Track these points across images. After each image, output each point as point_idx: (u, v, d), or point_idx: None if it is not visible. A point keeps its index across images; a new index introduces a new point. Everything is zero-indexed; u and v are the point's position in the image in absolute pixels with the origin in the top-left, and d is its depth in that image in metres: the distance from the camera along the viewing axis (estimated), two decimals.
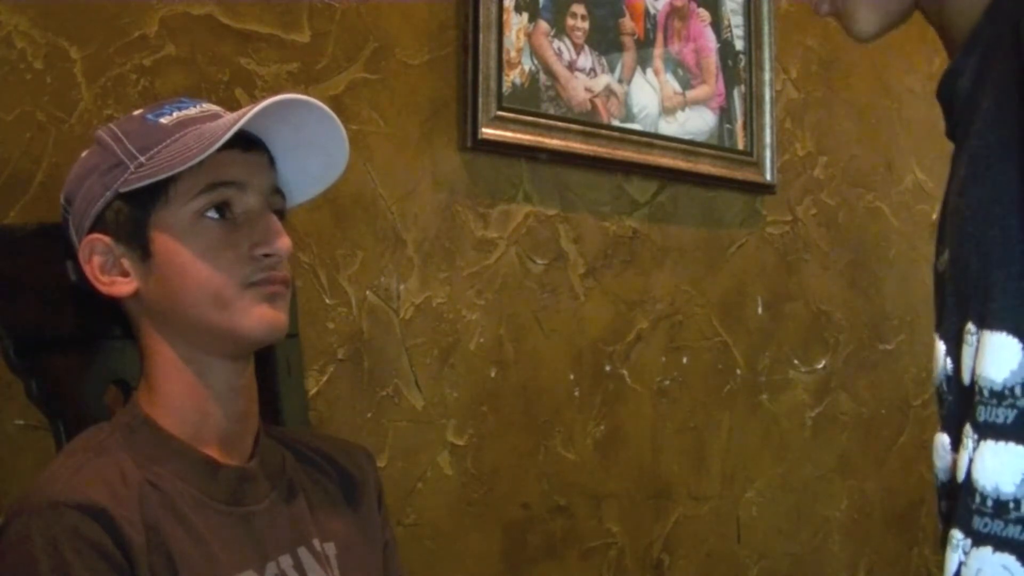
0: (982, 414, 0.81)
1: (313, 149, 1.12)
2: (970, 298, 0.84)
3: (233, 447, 1.10)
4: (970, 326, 0.83)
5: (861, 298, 2.52)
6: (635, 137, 2.10)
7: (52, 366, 1.20)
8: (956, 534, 0.83)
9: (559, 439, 2.00)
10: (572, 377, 2.03)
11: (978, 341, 0.82)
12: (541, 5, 1.96)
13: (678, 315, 2.20)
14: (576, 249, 2.04)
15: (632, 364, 2.12)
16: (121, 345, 1.18)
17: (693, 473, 2.21)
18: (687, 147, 2.19)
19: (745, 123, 2.29)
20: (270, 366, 1.30)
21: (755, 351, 2.33)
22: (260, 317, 1.06)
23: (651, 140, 2.14)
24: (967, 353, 0.83)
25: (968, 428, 0.83)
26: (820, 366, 2.45)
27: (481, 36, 1.87)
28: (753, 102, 2.30)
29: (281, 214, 1.11)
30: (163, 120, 1.08)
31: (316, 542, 1.12)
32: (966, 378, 0.83)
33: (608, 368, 2.08)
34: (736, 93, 2.28)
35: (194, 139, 1.04)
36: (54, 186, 1.43)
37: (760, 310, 2.35)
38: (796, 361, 2.40)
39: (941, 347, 0.88)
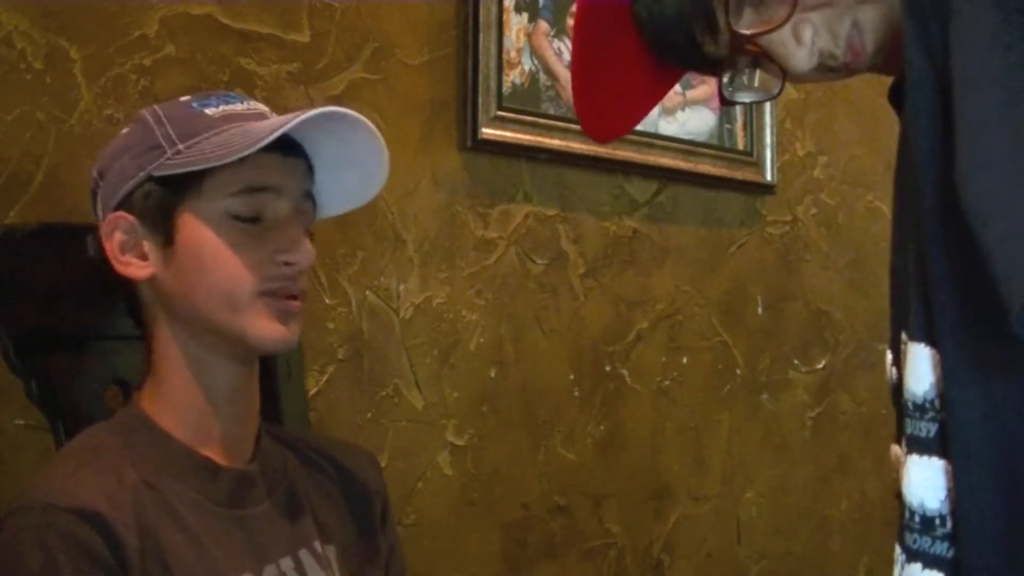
0: (909, 427, 0.79)
1: (351, 164, 1.11)
2: (902, 309, 0.82)
3: (233, 449, 1.09)
4: (903, 335, 0.81)
5: (861, 298, 2.52)
6: (635, 137, 2.10)
7: (52, 366, 1.20)
8: (897, 548, 0.81)
9: (559, 439, 2.00)
10: (572, 377, 2.03)
11: (906, 352, 0.80)
12: (541, 5, 1.96)
13: (678, 315, 2.20)
14: (576, 249, 2.04)
15: (632, 364, 2.12)
16: (121, 345, 1.18)
17: (693, 473, 2.21)
18: (687, 147, 2.19)
19: (745, 123, 2.29)
20: (270, 366, 1.30)
21: (755, 351, 2.33)
22: (271, 331, 1.05)
23: (651, 140, 2.13)
24: (904, 364, 0.81)
25: (903, 441, 0.81)
26: (820, 366, 2.45)
27: (481, 36, 1.87)
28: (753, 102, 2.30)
29: (307, 231, 1.10)
30: (208, 111, 1.07)
31: (317, 544, 1.11)
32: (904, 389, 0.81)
33: (608, 368, 2.08)
34: None
35: (237, 136, 1.03)
36: (54, 186, 1.43)
37: (760, 310, 2.35)
38: (796, 361, 2.40)
39: (889, 356, 0.86)
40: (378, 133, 1.09)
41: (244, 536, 1.06)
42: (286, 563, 1.08)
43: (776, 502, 2.35)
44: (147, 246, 1.06)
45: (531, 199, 1.98)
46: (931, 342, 0.76)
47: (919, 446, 0.78)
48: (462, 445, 1.87)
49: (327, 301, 1.72)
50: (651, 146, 2.14)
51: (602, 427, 2.07)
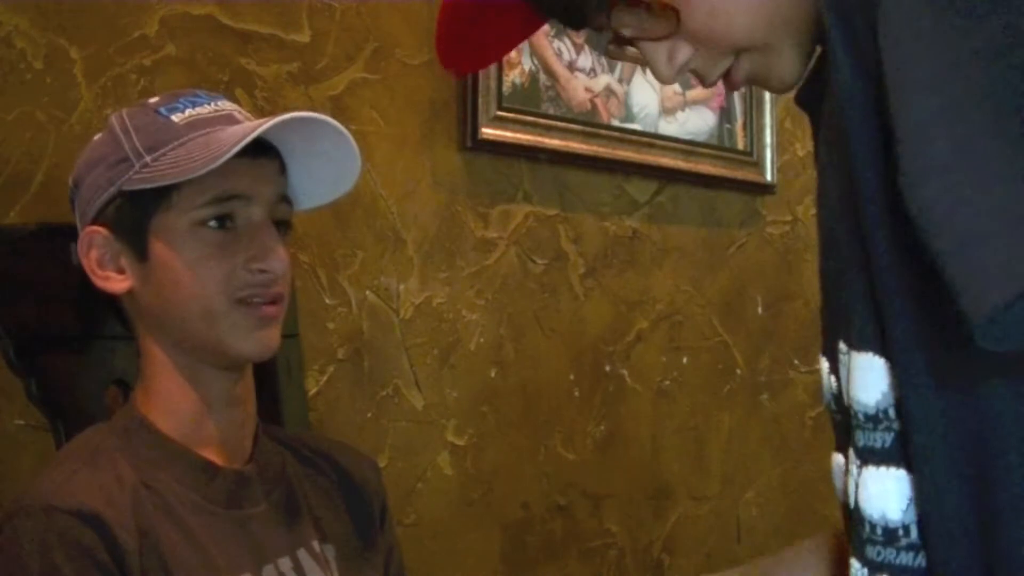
0: (860, 439, 0.77)
1: (325, 160, 1.10)
2: (838, 316, 0.80)
3: (231, 450, 1.09)
4: (842, 345, 0.79)
5: None
6: (635, 137, 2.10)
7: (52, 366, 1.20)
8: (854, 563, 0.79)
9: (559, 439, 2.00)
10: (572, 377, 2.03)
11: (849, 362, 0.77)
12: None
13: (678, 315, 2.20)
14: (576, 249, 2.04)
15: (632, 364, 2.12)
16: (121, 345, 1.18)
17: (693, 473, 2.21)
18: (687, 147, 2.19)
19: (745, 123, 2.29)
20: (270, 367, 1.30)
21: (755, 351, 2.33)
22: (249, 340, 1.05)
23: (651, 140, 2.13)
24: (843, 373, 0.79)
25: (851, 453, 0.79)
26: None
27: None
28: (753, 102, 2.30)
29: (287, 224, 1.09)
30: (175, 117, 1.05)
31: (315, 544, 1.11)
32: (846, 398, 0.79)
33: (608, 368, 2.08)
34: (736, 93, 2.28)
35: (201, 147, 1.02)
36: (54, 186, 1.43)
37: (760, 310, 2.35)
38: (796, 361, 2.40)
39: (824, 364, 0.84)
40: (345, 131, 1.08)
41: (243, 536, 1.06)
42: (284, 563, 1.07)
43: (776, 502, 2.35)
44: (123, 260, 1.06)
45: (531, 199, 1.98)
46: (880, 351, 0.75)
47: (875, 457, 0.76)
48: (462, 445, 1.87)
49: (327, 301, 1.72)
50: (651, 146, 2.14)
51: (602, 427, 2.07)
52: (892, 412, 0.75)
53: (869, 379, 0.75)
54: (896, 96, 0.66)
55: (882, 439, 0.75)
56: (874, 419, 0.76)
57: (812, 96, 0.85)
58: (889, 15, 0.67)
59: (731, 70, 0.89)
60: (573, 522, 2.01)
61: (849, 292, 0.77)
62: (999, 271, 0.61)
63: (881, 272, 0.73)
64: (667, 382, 2.18)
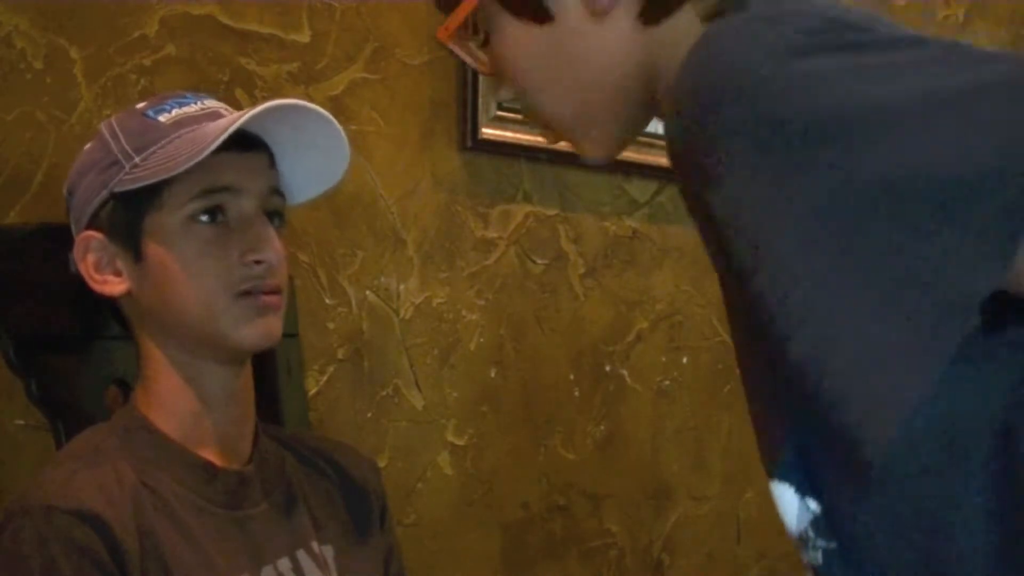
0: (803, 556, 0.80)
1: (314, 150, 1.11)
2: (759, 435, 0.82)
3: (230, 450, 1.09)
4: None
5: None
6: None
7: (52, 366, 1.20)
8: None
9: (559, 439, 2.00)
10: (572, 377, 2.03)
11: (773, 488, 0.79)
12: None
13: (678, 315, 2.20)
14: (576, 249, 2.04)
15: (632, 364, 2.11)
16: (121, 345, 1.18)
17: (693, 473, 2.21)
18: None
19: None
20: (270, 366, 1.30)
21: None
22: (252, 330, 1.05)
23: (651, 140, 2.12)
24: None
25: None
26: None
27: None
28: None
29: (280, 216, 1.10)
30: (162, 118, 1.06)
31: (315, 544, 1.11)
32: None
33: (608, 368, 2.08)
34: None
35: (187, 143, 1.02)
36: (54, 186, 1.43)
37: None
38: None
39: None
40: (329, 115, 1.08)
41: (243, 537, 1.06)
42: (283, 564, 1.08)
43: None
44: (119, 263, 1.07)
45: (531, 199, 1.98)
46: (785, 477, 0.76)
47: (816, 572, 0.79)
48: (462, 445, 1.87)
49: (327, 301, 1.72)
50: (651, 146, 2.13)
51: (602, 427, 2.07)
52: (811, 531, 0.76)
53: (783, 505, 0.77)
54: (744, 255, 0.66)
55: (814, 557, 0.78)
56: (800, 540, 0.78)
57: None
58: (724, 181, 0.67)
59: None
60: (573, 522, 2.01)
61: (762, 417, 0.79)
62: (871, 426, 0.62)
63: (785, 398, 0.74)
64: (667, 382, 2.18)
